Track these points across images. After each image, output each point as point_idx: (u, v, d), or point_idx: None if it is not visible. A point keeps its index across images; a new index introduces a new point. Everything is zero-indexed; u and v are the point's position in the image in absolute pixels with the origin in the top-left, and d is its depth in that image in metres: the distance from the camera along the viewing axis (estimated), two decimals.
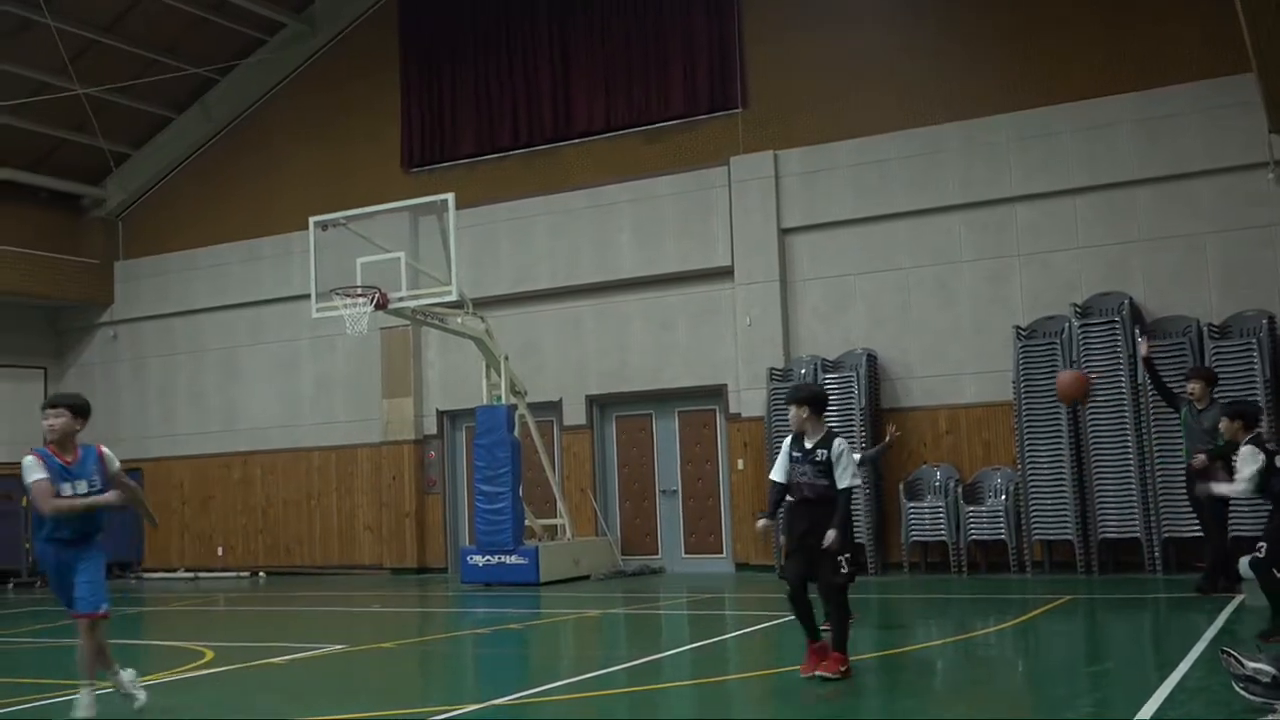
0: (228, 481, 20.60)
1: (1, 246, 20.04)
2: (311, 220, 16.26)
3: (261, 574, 19.86)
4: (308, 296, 16.29)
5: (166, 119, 21.25)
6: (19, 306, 21.40)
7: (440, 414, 18.91)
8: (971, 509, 14.69)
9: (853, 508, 8.01)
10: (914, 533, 14.95)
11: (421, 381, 19.10)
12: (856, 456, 8.52)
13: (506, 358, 16.49)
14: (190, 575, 20.40)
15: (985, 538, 14.67)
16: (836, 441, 7.48)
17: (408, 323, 17.25)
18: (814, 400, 7.67)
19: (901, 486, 15.15)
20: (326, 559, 19.38)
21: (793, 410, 7.65)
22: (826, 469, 7.41)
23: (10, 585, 19.73)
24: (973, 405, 15.37)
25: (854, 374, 15.34)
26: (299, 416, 20.07)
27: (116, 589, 18.61)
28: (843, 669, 7.36)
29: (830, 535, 7.22)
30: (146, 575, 20.77)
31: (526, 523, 16.19)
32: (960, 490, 14.81)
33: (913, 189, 15.84)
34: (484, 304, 17.03)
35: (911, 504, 14.99)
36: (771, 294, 16.49)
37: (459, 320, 16.34)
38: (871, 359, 15.61)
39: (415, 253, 16.72)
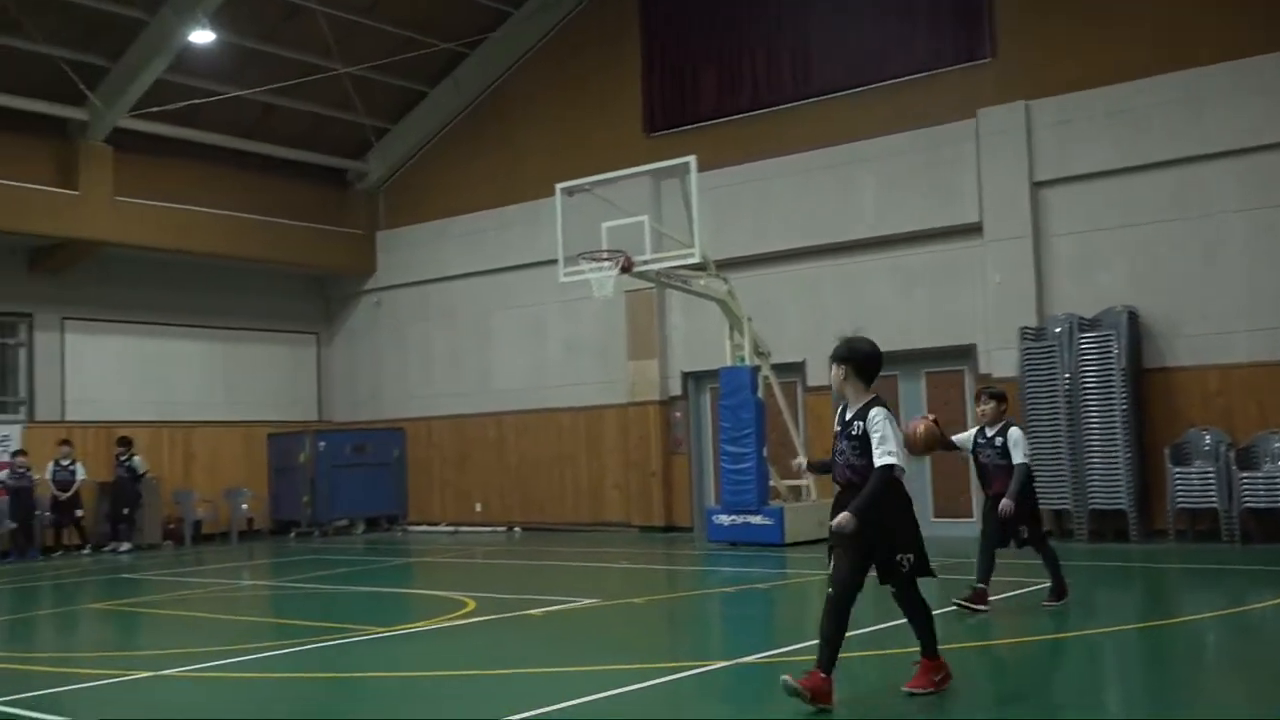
0: (483, 440, 21.52)
1: (276, 220, 21.45)
2: (558, 187, 16.69)
3: (517, 529, 20.68)
4: (555, 261, 16.74)
5: (421, 94, 22.19)
6: (293, 276, 22.90)
7: (685, 375, 19.16)
8: (1246, 475, 13.81)
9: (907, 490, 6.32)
10: (1180, 500, 14.20)
11: (666, 343, 19.38)
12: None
13: (749, 319, 16.53)
14: (450, 529, 21.44)
15: (1262, 506, 13.79)
16: (874, 412, 6.08)
17: (652, 285, 17.52)
18: (854, 358, 6.20)
19: (1167, 451, 14.39)
20: (577, 516, 20.00)
21: (831, 370, 6.28)
22: (864, 446, 6.08)
23: (292, 535, 21.25)
24: (1246, 365, 14.43)
25: (1113, 332, 14.63)
26: (548, 379, 20.74)
27: (384, 541, 19.83)
28: (937, 680, 6.26)
29: (851, 521, 5.94)
30: (410, 528, 21.97)
31: (771, 483, 16.24)
32: (1232, 455, 13.96)
33: (1175, 136, 14.91)
34: (726, 265, 17.10)
35: (1178, 469, 14.23)
36: (1023, 250, 15.90)
37: (702, 282, 16.47)
38: (1133, 316, 14.84)
39: (658, 216, 16.94)
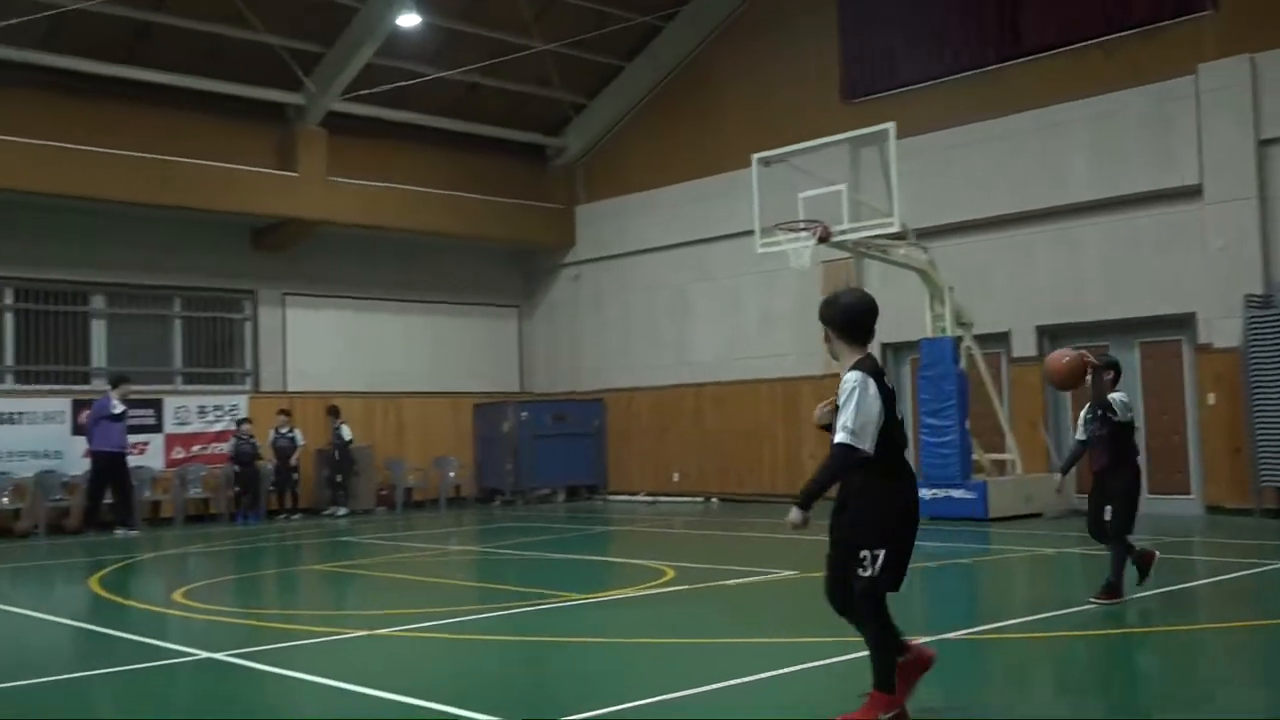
0: (681, 412, 21.68)
1: (479, 196, 22.04)
2: (755, 158, 16.60)
3: (714, 500, 20.78)
4: (752, 233, 16.69)
5: (618, 69, 22.38)
6: (495, 251, 23.51)
7: (884, 346, 18.84)
8: None
9: (880, 480, 5.10)
10: None
11: None
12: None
13: (951, 289, 16.12)
14: (648, 499, 21.71)
15: None
16: (847, 376, 5.05)
17: (849, 255, 17.27)
18: (835, 317, 5.23)
19: None
20: (774, 487, 19.95)
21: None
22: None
23: (497, 502, 21.91)
24: None
25: None
26: (745, 350, 20.72)
27: (584, 509, 20.22)
28: (882, 717, 5.00)
29: (793, 513, 5.02)
30: (610, 498, 22.34)
31: (974, 457, 15.84)
32: None
33: None
34: (926, 234, 16.71)
35: None
36: (1248, 213, 14.99)
37: (901, 252, 16.15)
38: None
39: (856, 185, 16.65)
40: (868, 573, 4.99)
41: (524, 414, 22.09)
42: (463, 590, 11.22)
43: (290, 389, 20.75)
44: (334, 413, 20.18)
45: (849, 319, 5.18)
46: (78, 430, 17.73)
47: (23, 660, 7.91)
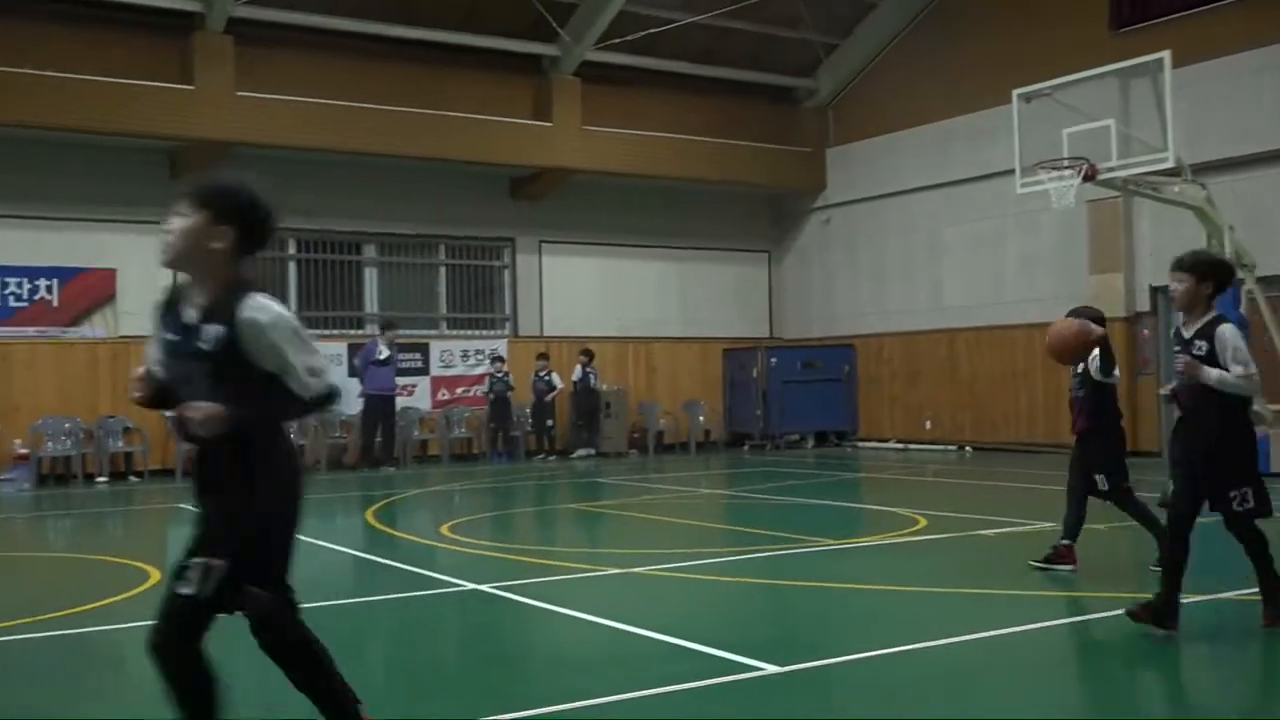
0: (934, 357, 21.19)
1: (728, 141, 22.02)
2: (1015, 93, 15.89)
3: (967, 448, 20.27)
4: (1011, 172, 16.03)
5: (869, 6, 21.83)
6: (744, 196, 23.47)
7: (1153, 290, 17.82)
8: None
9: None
10: None
11: (1132, 255, 18.10)
12: None
13: (1231, 228, 15.05)
14: (900, 446, 21.38)
15: None
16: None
17: (1117, 194, 16.37)
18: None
19: None
20: (1032, 436, 19.28)
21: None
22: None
23: (746, 447, 22.06)
24: None
25: None
26: (1003, 294, 20.02)
27: (833, 456, 20.10)
28: None
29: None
30: (859, 445, 22.12)
31: (1254, 408, 14.81)
32: None
33: None
34: (1203, 169, 15.62)
35: None
36: None
37: (1175, 189, 15.16)
38: None
39: (1125, 119, 15.71)
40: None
41: (773, 360, 22.08)
42: (714, 532, 11.38)
43: (546, 334, 21.43)
44: (587, 355, 20.72)
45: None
46: (353, 372, 18.89)
47: (310, 584, 8.52)
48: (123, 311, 17.79)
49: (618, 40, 20.09)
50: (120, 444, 17.50)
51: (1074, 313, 7.73)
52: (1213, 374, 5.72)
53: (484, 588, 7.69)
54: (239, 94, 17.74)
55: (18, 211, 17.27)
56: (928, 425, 21.23)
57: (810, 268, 23.59)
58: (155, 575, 8.41)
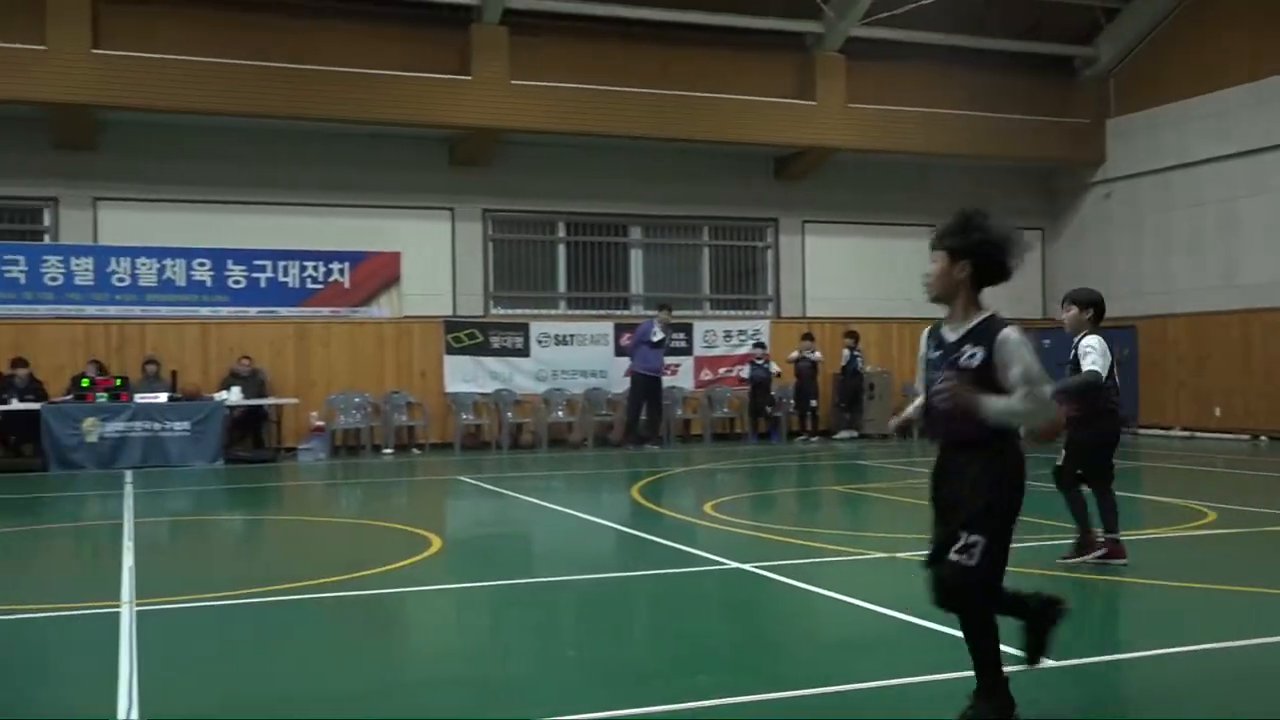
0: (1225, 340, 19.80)
1: (996, 114, 21.18)
2: None
3: (1262, 438, 18.87)
4: None
5: None
6: (1013, 170, 22.54)
7: None
8: None
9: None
10: None
11: None
12: None
13: None
14: (1185, 434, 20.11)
15: None
16: None
17: None
18: None
19: None
20: None
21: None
22: None
23: None
24: None
25: None
26: None
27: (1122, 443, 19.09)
28: None
29: None
30: (1140, 431, 20.94)
31: None
32: None
33: None
34: None
35: None
36: None
37: None
38: None
39: None
40: None
41: (1045, 342, 21.14)
42: None
43: (809, 314, 21.28)
44: (852, 336, 20.46)
45: None
46: (620, 351, 19.29)
47: (580, 557, 8.82)
48: (406, 293, 18.81)
49: (884, 15, 19.66)
50: (404, 418, 18.54)
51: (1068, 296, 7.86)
52: None
53: (746, 566, 7.74)
54: (513, 83, 18.41)
55: (313, 199, 18.51)
56: (1217, 412, 19.88)
57: (1088, 245, 22.45)
58: (436, 543, 8.87)
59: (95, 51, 16.55)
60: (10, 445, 16.30)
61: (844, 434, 20.28)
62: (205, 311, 17.77)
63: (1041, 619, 4.55)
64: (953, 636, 5.69)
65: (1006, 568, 4.36)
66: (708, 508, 11.00)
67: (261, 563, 9.03)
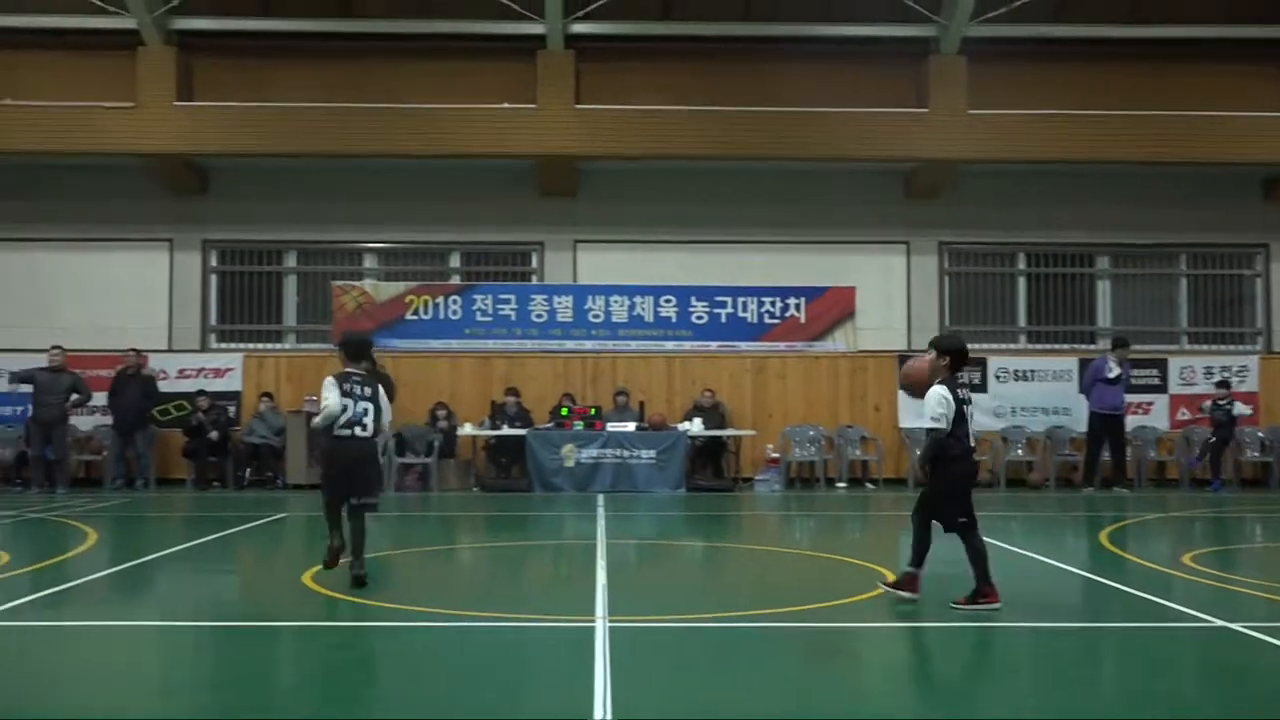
0: None
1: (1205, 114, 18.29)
2: None
3: None
4: None
5: None
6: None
7: None
8: None
9: None
10: None
11: None
12: None
13: None
14: None
15: None
16: None
17: None
18: None
19: None
20: None
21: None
22: None
23: None
24: None
25: None
26: None
27: None
28: None
29: None
30: None
31: None
32: None
33: None
34: None
35: None
36: None
37: None
38: None
39: None
40: None
41: None
42: None
43: None
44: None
45: None
46: (1082, 389, 18.29)
47: (1040, 603, 8.40)
48: (860, 327, 18.88)
49: (1003, 9, 17.45)
50: (858, 452, 18.58)
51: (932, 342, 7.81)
52: None
53: (1234, 626, 7.05)
54: (970, 112, 18.05)
55: (770, 236, 19.11)
56: None
57: None
58: (890, 579, 8.80)
59: (577, 107, 18.05)
60: (502, 466, 17.97)
61: None
62: (670, 346, 18.77)
63: None
64: None
65: None
66: (1186, 558, 10.14)
67: (719, 588, 9.36)
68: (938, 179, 18.80)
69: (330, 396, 8.21)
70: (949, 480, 7.61)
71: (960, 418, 7.46)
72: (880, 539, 13.04)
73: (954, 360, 7.57)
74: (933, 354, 7.62)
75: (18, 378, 17.23)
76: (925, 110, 18.17)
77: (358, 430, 8.30)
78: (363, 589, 8.11)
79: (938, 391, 7.45)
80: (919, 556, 7.74)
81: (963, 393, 7.61)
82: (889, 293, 19.25)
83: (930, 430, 7.49)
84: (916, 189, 19.05)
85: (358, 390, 8.33)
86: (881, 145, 18.09)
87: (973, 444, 7.63)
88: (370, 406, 8.36)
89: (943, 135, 18.00)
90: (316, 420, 8.41)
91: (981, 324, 19.51)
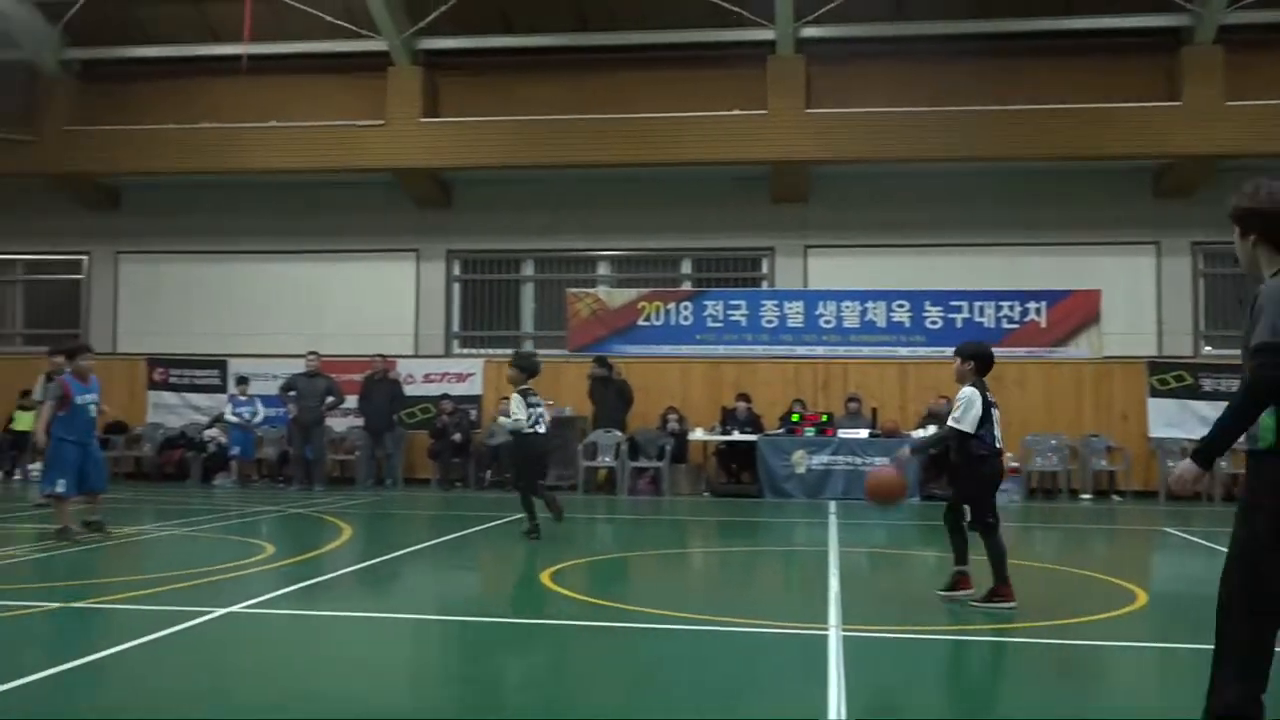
0: None
1: None
2: None
3: None
4: None
5: None
6: None
7: None
8: None
9: None
10: None
11: None
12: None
13: None
14: None
15: None
16: None
17: None
18: None
19: None
20: None
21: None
22: None
23: None
24: None
25: None
26: None
27: None
28: None
29: None
30: None
31: None
32: None
33: None
34: None
35: None
36: None
37: None
38: None
39: None
40: None
41: None
42: None
43: None
44: None
45: None
46: None
47: None
48: (1106, 332, 18.06)
49: None
50: (1103, 463, 17.76)
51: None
52: None
53: None
54: (1228, 104, 17.03)
55: (1007, 239, 18.50)
56: None
57: None
58: (1142, 597, 8.38)
59: (808, 112, 17.95)
60: (732, 472, 18.02)
61: None
62: (904, 351, 18.42)
63: None
64: None
65: None
66: None
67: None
68: (1191, 175, 17.79)
69: (518, 411, 11.29)
70: (978, 481, 7.88)
71: (987, 419, 7.77)
72: (1129, 553, 12.43)
73: (979, 364, 7.98)
74: (958, 360, 8.08)
75: (283, 386, 18.40)
76: (1178, 103, 17.23)
77: (539, 428, 11.46)
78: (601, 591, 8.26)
79: (968, 393, 7.84)
80: (961, 555, 8.09)
81: (989, 395, 7.90)
82: (1138, 296, 18.33)
83: (952, 429, 7.80)
84: (1167, 187, 18.07)
85: (533, 399, 11.49)
86: (1132, 141, 17.24)
87: (999, 445, 7.88)
88: (544, 411, 11.59)
89: (1197, 128, 17.02)
90: (506, 422, 11.56)
91: (1233, 329, 18.31)
